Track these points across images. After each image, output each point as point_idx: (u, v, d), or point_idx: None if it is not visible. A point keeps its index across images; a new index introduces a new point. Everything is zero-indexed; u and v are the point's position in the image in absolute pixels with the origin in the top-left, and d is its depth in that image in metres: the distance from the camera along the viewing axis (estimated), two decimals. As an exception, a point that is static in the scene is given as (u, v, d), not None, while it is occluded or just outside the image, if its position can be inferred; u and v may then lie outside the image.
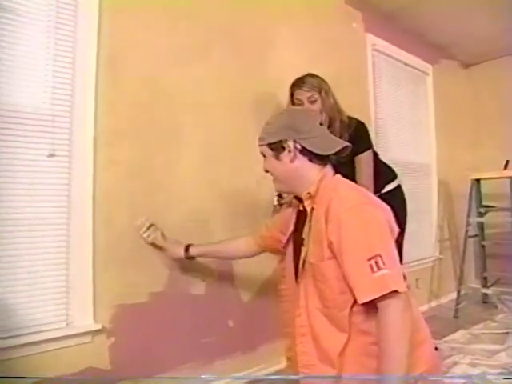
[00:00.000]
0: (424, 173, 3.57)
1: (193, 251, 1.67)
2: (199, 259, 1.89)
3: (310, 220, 1.10)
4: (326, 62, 2.66)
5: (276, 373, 1.93)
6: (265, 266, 2.09)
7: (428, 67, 3.66)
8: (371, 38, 3.03)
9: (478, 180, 3.42)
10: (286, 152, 1.12)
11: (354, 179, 1.90)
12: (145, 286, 1.74)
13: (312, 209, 1.11)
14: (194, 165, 1.94)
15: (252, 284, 2.12)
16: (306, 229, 1.13)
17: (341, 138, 1.82)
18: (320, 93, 1.82)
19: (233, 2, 2.16)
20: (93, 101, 1.62)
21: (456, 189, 3.78)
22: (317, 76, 1.89)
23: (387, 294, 0.94)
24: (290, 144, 1.10)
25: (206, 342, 1.93)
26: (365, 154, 1.91)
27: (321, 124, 1.16)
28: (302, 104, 1.83)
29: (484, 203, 3.47)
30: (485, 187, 3.47)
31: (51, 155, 1.53)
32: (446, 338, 2.60)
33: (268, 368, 2.10)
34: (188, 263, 1.86)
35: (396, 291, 0.94)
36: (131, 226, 1.71)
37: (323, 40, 2.66)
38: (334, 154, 1.13)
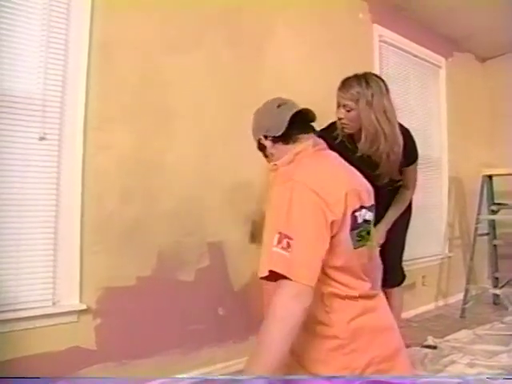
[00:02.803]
0: (433, 167, 3.47)
1: None
2: (187, 243, 1.91)
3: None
4: (329, 53, 2.62)
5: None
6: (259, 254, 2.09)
7: (440, 60, 3.54)
8: (378, 29, 2.96)
9: (490, 176, 3.29)
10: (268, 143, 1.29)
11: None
12: (133, 270, 1.76)
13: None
14: (187, 151, 1.95)
15: (244, 272, 2.10)
16: None
17: (388, 157, 1.65)
18: (358, 103, 1.60)
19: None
20: (84, 86, 1.66)
21: (469, 186, 3.65)
22: (365, 80, 1.61)
23: (283, 276, 0.95)
24: (263, 139, 1.29)
25: (195, 328, 1.94)
26: (413, 165, 1.82)
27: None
28: (339, 108, 1.68)
29: (496, 201, 3.35)
30: (497, 184, 3.34)
31: (42, 138, 1.58)
32: (448, 337, 2.51)
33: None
34: (177, 249, 1.88)
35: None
36: (121, 210, 1.74)
37: (326, 31, 2.61)
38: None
